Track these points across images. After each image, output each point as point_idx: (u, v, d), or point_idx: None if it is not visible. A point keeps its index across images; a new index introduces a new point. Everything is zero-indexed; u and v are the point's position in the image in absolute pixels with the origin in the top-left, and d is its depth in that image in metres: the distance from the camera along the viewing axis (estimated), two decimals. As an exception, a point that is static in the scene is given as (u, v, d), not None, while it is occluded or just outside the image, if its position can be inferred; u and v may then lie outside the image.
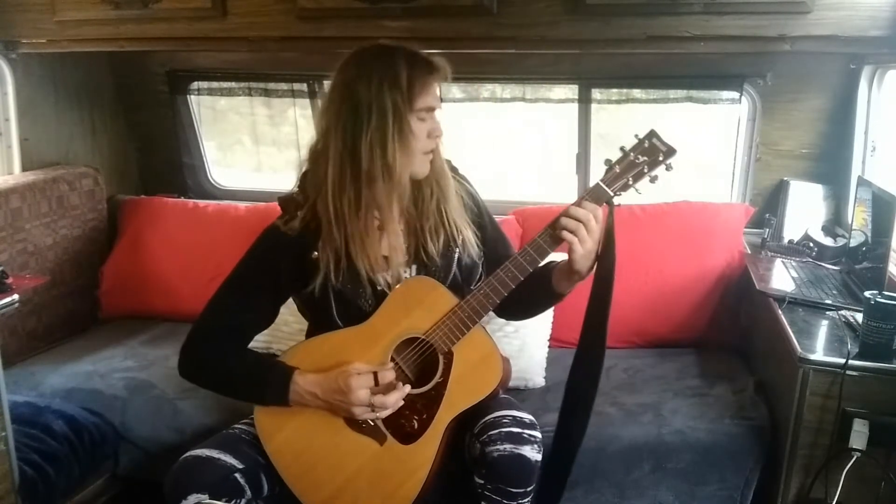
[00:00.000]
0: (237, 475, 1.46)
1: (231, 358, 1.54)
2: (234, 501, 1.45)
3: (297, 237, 1.51)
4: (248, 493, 1.48)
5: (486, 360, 1.53)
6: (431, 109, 1.50)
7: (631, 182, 1.47)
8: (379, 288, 1.54)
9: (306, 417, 1.51)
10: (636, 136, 1.48)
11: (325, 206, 1.48)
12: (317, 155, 1.51)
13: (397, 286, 1.53)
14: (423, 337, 1.51)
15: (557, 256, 1.54)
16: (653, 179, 1.48)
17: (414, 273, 1.58)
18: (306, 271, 1.51)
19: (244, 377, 1.52)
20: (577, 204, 1.47)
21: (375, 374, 1.46)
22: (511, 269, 1.48)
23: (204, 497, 1.41)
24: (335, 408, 1.48)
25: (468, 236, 1.60)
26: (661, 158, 1.46)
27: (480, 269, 1.64)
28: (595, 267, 1.53)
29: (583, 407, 1.61)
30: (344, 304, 1.52)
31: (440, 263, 1.57)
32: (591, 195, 1.48)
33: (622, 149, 1.48)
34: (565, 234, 1.45)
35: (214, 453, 1.47)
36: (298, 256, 1.52)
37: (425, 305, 1.51)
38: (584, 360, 1.63)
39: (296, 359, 1.52)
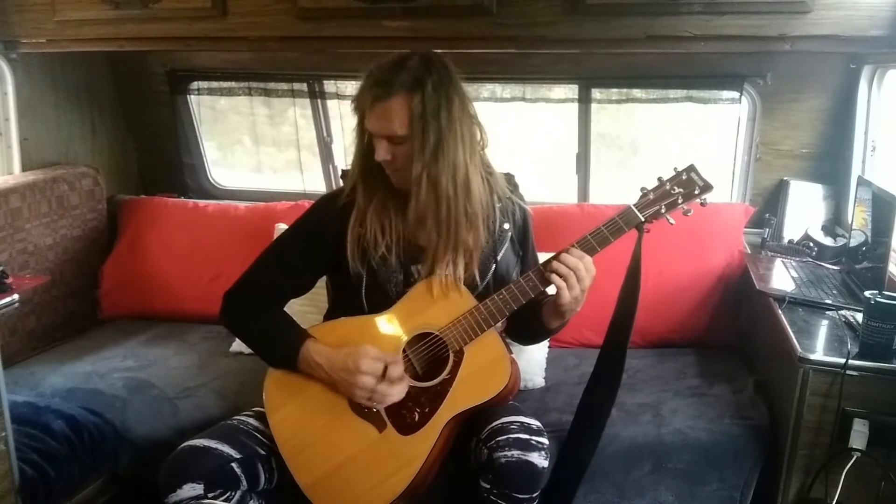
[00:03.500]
0: (234, 465, 1.47)
1: (263, 312, 1.59)
2: (229, 493, 1.45)
3: (344, 208, 1.57)
4: (244, 483, 1.48)
5: (496, 364, 1.54)
6: (373, 134, 1.49)
7: (663, 210, 1.50)
8: (412, 279, 1.58)
9: (313, 395, 1.53)
10: (675, 168, 1.50)
11: (360, 183, 1.57)
12: None
13: (420, 282, 1.56)
14: (437, 333, 1.53)
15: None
16: (686, 212, 1.50)
17: (449, 272, 1.59)
18: (348, 244, 1.55)
19: (265, 332, 1.58)
20: (568, 251, 1.49)
21: (386, 365, 1.48)
22: (532, 278, 1.51)
23: (199, 486, 1.41)
24: (338, 384, 1.50)
25: (506, 249, 1.64)
26: (696, 192, 1.49)
27: (514, 278, 1.65)
28: (620, 291, 1.59)
29: (595, 428, 1.65)
30: (374, 284, 1.56)
31: (476, 268, 1.58)
32: (622, 218, 1.49)
33: (659, 178, 1.51)
34: (555, 278, 1.47)
35: (212, 443, 1.48)
36: (344, 228, 1.56)
37: (444, 303, 1.53)
38: (602, 379, 1.66)
39: (316, 334, 1.55)
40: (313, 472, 1.51)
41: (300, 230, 1.66)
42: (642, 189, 1.51)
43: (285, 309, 1.65)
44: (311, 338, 1.53)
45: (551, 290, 1.53)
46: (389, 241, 1.54)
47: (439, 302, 1.53)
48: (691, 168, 1.50)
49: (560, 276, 1.47)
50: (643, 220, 1.49)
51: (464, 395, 1.52)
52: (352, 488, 1.51)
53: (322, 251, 1.61)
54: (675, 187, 1.49)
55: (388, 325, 1.55)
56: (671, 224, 1.52)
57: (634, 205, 1.50)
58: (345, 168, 1.68)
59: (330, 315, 1.69)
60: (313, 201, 1.71)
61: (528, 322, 1.63)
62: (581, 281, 1.47)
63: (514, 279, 1.57)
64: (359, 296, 1.57)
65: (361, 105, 1.49)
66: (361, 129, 1.53)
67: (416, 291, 1.55)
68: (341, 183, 1.69)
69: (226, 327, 1.67)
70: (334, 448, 1.52)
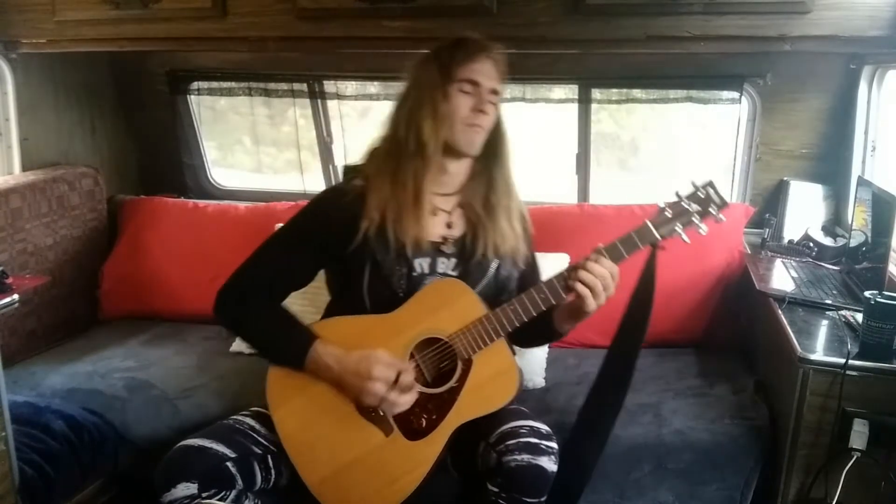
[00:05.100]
0: (228, 464, 1.46)
1: (263, 308, 1.56)
2: (224, 492, 1.45)
3: (352, 200, 1.54)
4: (240, 483, 1.47)
5: (504, 374, 1.53)
6: (475, 83, 1.53)
7: (678, 229, 1.47)
8: (415, 273, 1.55)
9: (318, 392, 1.50)
10: (692, 182, 1.47)
11: (371, 174, 1.55)
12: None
13: (428, 284, 1.54)
14: (445, 339, 1.51)
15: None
16: (701, 231, 1.46)
17: (451, 266, 1.58)
18: (353, 235, 1.53)
19: (269, 330, 1.54)
20: (596, 259, 1.46)
21: (398, 372, 1.46)
22: (555, 285, 1.49)
23: (193, 486, 1.41)
24: (346, 386, 1.48)
25: (516, 248, 1.61)
26: (712, 211, 1.46)
27: (514, 284, 1.64)
28: (628, 306, 1.58)
29: (598, 437, 1.64)
30: (377, 278, 1.53)
31: (478, 265, 1.58)
32: (638, 234, 1.47)
33: (677, 194, 1.47)
34: (580, 287, 1.45)
35: (206, 442, 1.47)
36: (350, 219, 1.53)
37: (453, 309, 1.50)
38: (608, 390, 1.65)
39: (321, 332, 1.52)
40: (319, 471, 1.50)
41: (306, 220, 1.61)
42: (660, 205, 1.48)
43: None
44: (320, 338, 1.49)
45: None
46: (402, 233, 1.51)
47: (449, 306, 1.50)
48: (710, 184, 1.47)
49: (586, 286, 1.44)
50: (658, 237, 1.47)
51: (471, 404, 1.51)
52: (359, 488, 1.50)
53: (327, 241, 1.56)
54: (693, 204, 1.46)
55: (394, 327, 1.51)
56: (686, 243, 1.48)
57: (651, 221, 1.47)
58: (348, 164, 1.68)
59: (330, 311, 1.65)
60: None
61: (536, 326, 1.57)
62: (607, 289, 1.45)
63: (516, 287, 1.55)
64: (360, 290, 1.54)
65: (459, 57, 1.51)
66: (445, 91, 1.51)
67: (424, 293, 1.52)
68: (341, 179, 1.67)
69: (223, 325, 1.63)
70: (340, 448, 1.51)
